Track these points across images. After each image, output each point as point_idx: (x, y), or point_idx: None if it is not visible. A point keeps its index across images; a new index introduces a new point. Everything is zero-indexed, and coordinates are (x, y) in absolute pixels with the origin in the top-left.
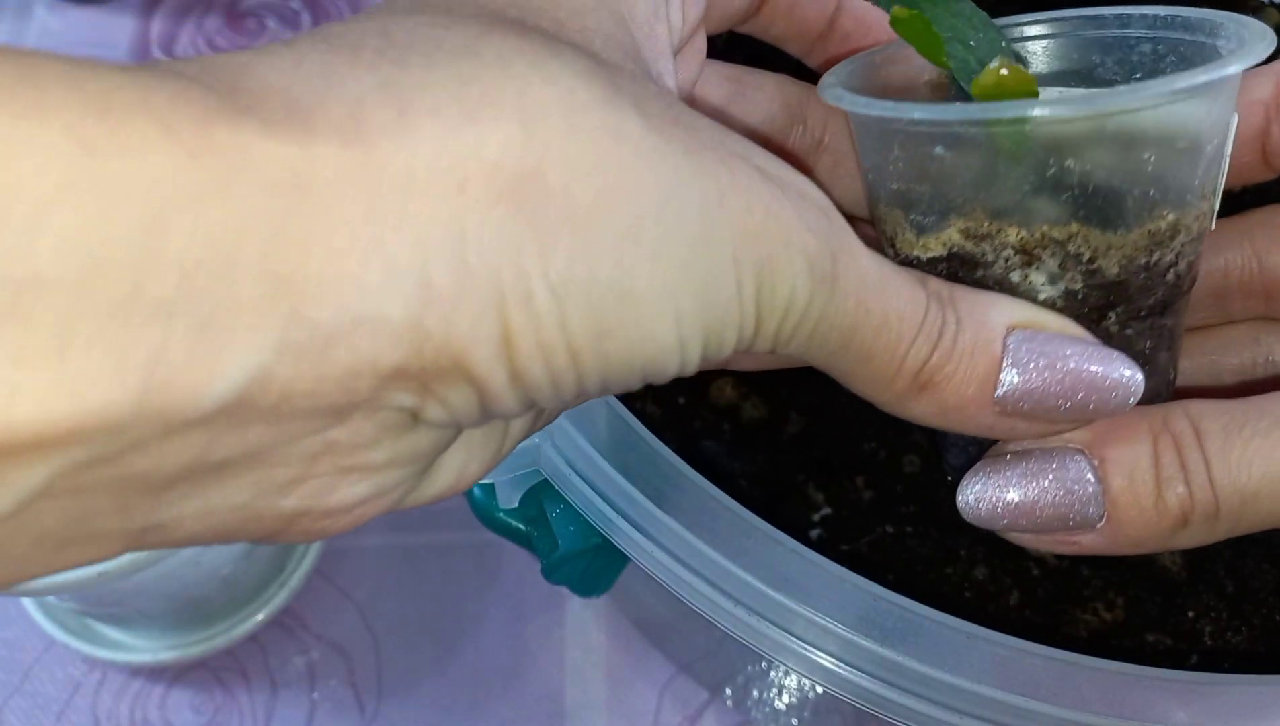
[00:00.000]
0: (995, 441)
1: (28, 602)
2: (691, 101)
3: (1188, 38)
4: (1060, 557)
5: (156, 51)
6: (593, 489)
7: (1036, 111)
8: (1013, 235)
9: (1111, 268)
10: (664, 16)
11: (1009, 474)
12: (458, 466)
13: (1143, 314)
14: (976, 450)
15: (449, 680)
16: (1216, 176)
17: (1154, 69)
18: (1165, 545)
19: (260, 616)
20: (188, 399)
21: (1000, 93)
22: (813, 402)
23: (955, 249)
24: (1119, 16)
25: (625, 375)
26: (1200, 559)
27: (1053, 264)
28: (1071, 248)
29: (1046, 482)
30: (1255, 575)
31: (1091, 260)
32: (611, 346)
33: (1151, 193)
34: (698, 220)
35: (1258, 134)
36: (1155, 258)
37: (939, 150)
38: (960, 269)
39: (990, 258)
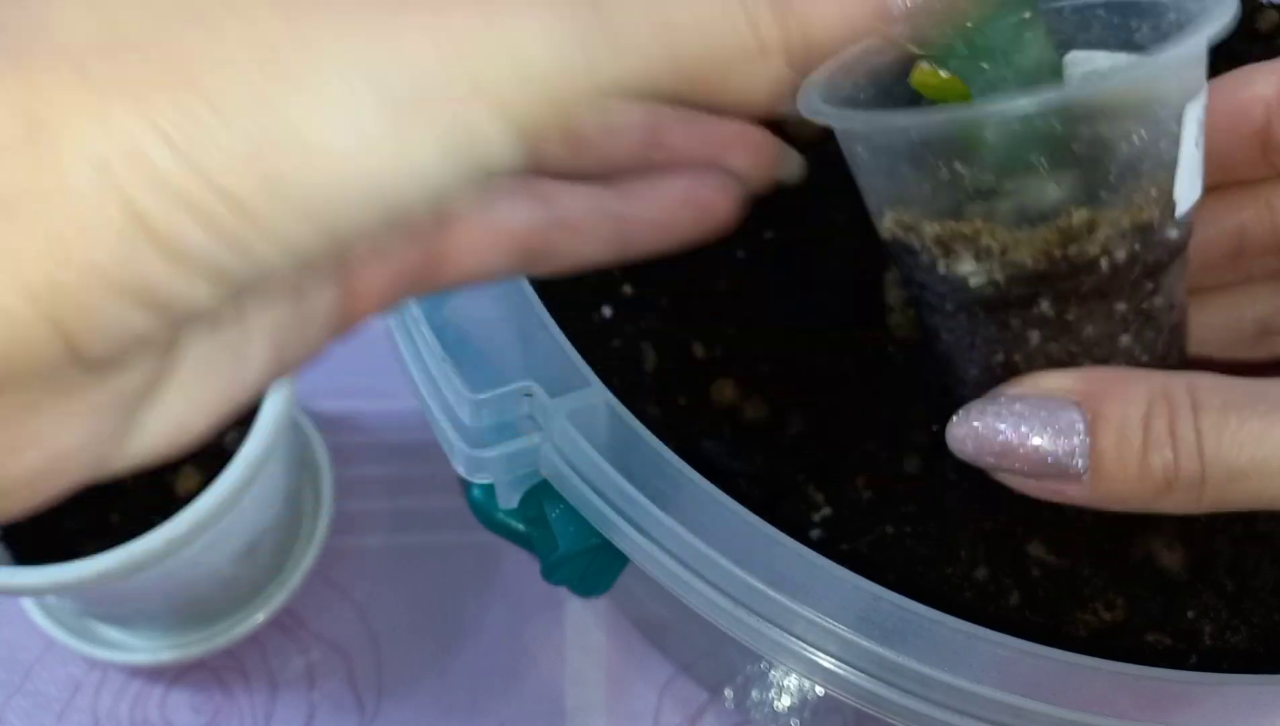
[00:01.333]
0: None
1: (28, 603)
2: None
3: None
4: (1061, 557)
5: None
6: (592, 489)
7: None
8: (928, 229)
9: (1025, 259)
10: None
11: (1001, 413)
12: (174, 414)
13: (1080, 300)
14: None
15: (449, 680)
16: (1162, 169)
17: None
18: (1148, 507)
19: (260, 616)
20: None
21: (927, 91)
22: (814, 403)
23: (893, 236)
24: None
25: (330, 205)
26: (1201, 558)
27: (969, 255)
28: (981, 242)
29: (1036, 426)
30: (1256, 574)
31: (1004, 252)
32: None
33: (1051, 192)
34: None
35: (1258, 130)
36: (1073, 251)
37: (859, 149)
38: (902, 253)
39: (918, 247)
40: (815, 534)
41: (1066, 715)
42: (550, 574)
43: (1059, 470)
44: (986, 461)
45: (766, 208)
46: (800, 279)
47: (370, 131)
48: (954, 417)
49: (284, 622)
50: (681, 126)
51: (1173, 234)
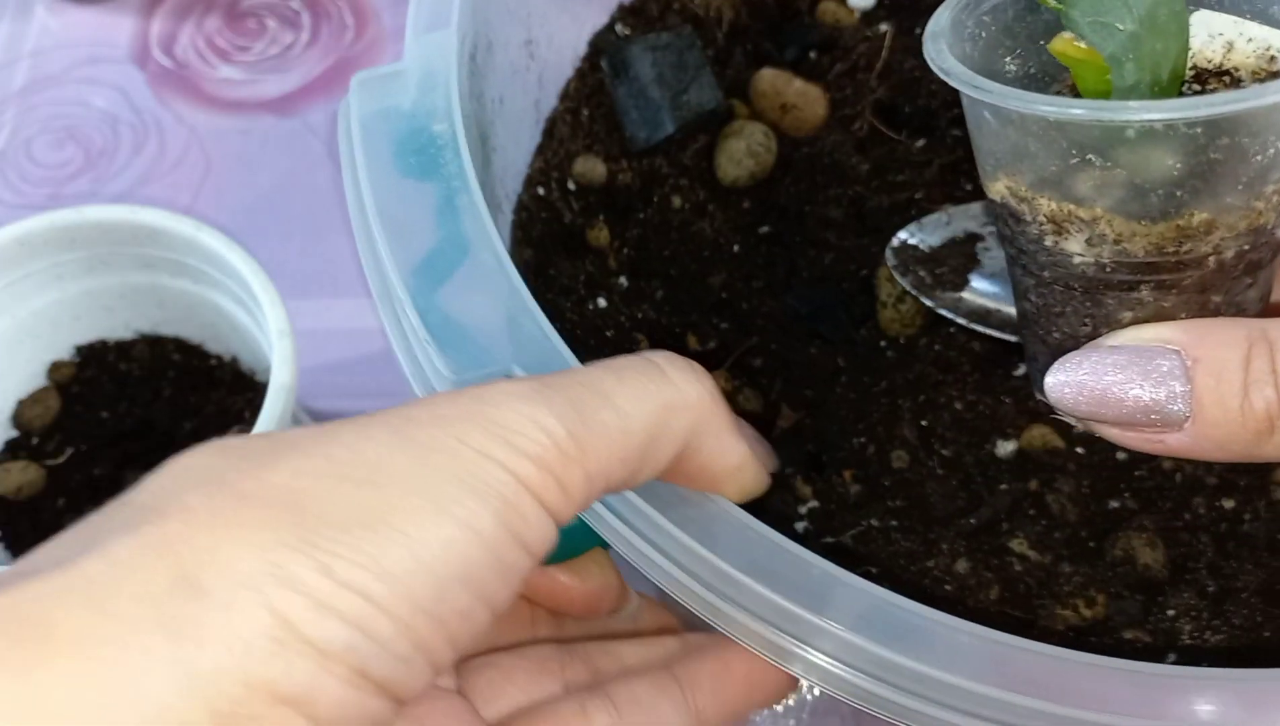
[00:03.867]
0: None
1: None
2: None
3: None
4: (1043, 553)
5: (156, 51)
6: None
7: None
8: (1044, 206)
9: (1138, 251)
10: None
11: (1099, 361)
12: None
13: (1180, 291)
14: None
15: None
16: None
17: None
18: (1253, 453)
19: None
20: None
21: (1065, 60)
22: (806, 397)
23: (1003, 200)
24: None
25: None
26: (1183, 557)
27: (1080, 238)
28: (1098, 228)
29: (1135, 374)
30: (1239, 575)
31: (1117, 241)
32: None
33: (1179, 194)
34: None
35: None
36: (1186, 247)
37: (986, 114)
38: (1009, 219)
39: (1029, 218)
40: (801, 526)
41: (1064, 712)
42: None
43: (1160, 417)
44: (1083, 409)
45: (762, 203)
46: (795, 273)
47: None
48: (1051, 367)
49: None
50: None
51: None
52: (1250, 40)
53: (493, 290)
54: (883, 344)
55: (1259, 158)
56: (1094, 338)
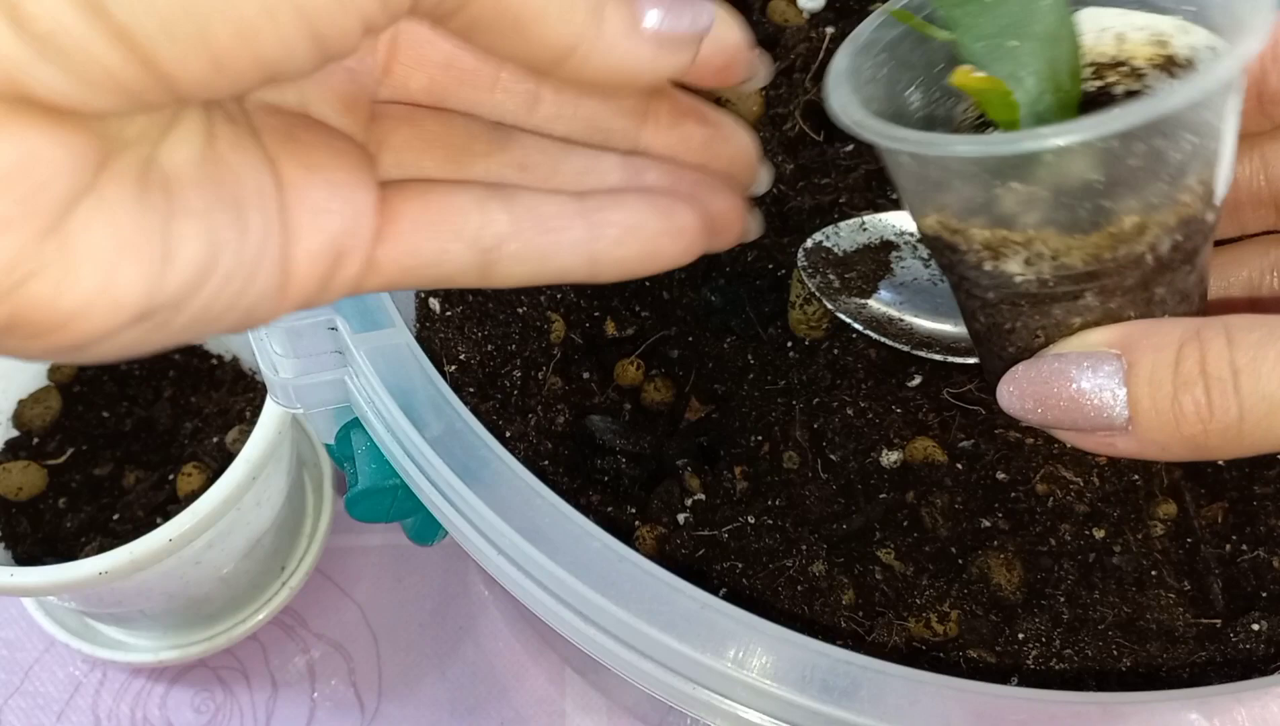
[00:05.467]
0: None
1: (28, 602)
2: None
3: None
4: (906, 565)
5: None
6: (386, 429)
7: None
8: (977, 235)
9: (1076, 262)
10: None
11: (1044, 369)
12: (106, 254)
13: (1124, 292)
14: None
15: (449, 680)
16: (1207, 166)
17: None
18: (1196, 453)
19: (261, 615)
20: None
21: (968, 92)
22: (716, 392)
23: (935, 234)
24: None
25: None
26: (1041, 583)
27: (1019, 259)
28: (1034, 247)
29: (1079, 378)
30: (1098, 606)
31: (1055, 257)
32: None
33: (1105, 204)
34: None
35: (1254, 82)
36: (1123, 251)
37: (904, 159)
38: (945, 250)
39: (964, 247)
40: (682, 517)
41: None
42: (350, 507)
43: (1104, 421)
44: (1035, 418)
45: None
46: (716, 267)
47: None
48: (1004, 375)
49: (285, 622)
50: (662, 132)
51: (1210, 218)
52: (1140, 29)
53: None
54: (789, 344)
55: (1176, 156)
56: (1049, 347)
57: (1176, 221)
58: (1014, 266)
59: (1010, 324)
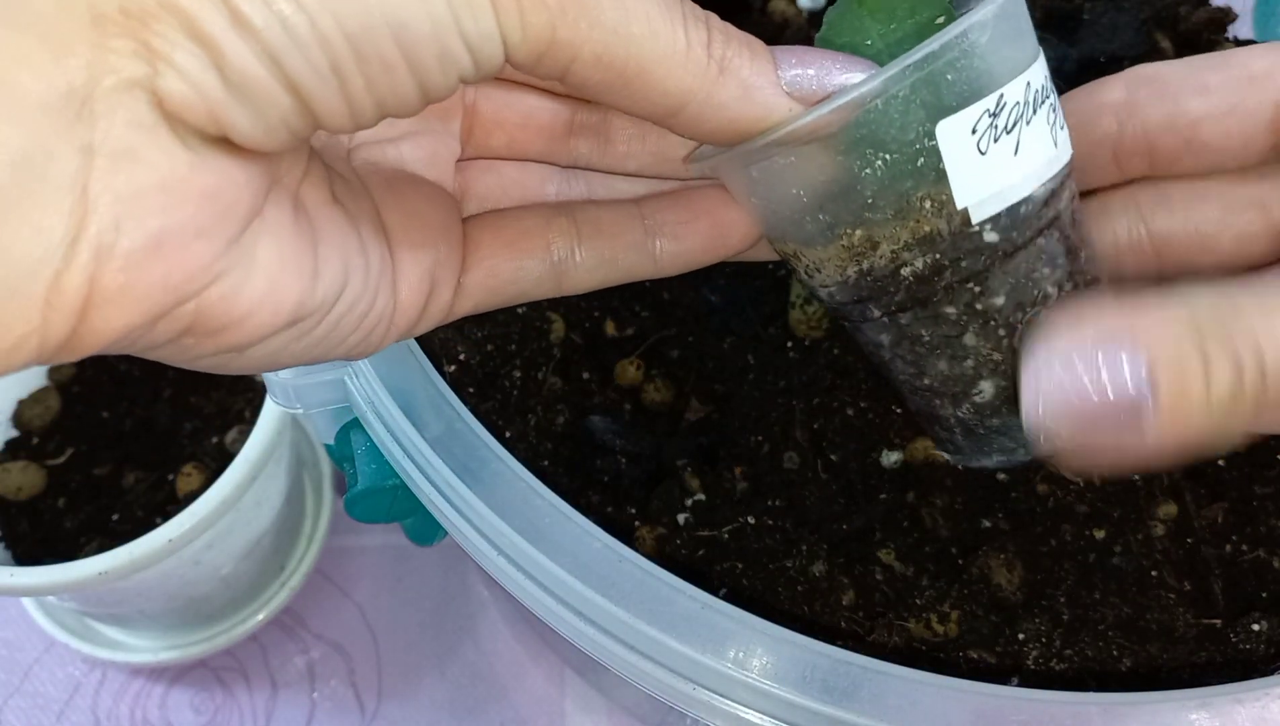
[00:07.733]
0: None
1: (28, 603)
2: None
3: None
4: (907, 565)
5: None
6: (385, 429)
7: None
8: (783, 250)
9: (834, 275)
10: None
11: (1063, 361)
12: (272, 265)
13: (899, 308)
14: (962, 432)
15: (449, 680)
16: (930, 184)
17: None
18: (1235, 424)
19: (260, 616)
20: None
21: None
22: (716, 392)
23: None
24: None
25: (368, 30)
26: (1042, 584)
27: (801, 271)
28: (801, 261)
29: (1098, 372)
30: (1098, 606)
31: (818, 269)
32: None
33: (823, 217)
34: None
35: (1107, 137)
36: (866, 266)
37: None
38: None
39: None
40: (683, 517)
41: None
42: (350, 507)
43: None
44: (1064, 438)
45: None
46: (718, 268)
47: None
48: (1025, 385)
49: (284, 622)
50: None
51: (989, 238)
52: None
53: None
54: (789, 344)
55: (868, 172)
56: (884, 367)
57: (914, 239)
58: (803, 275)
59: (851, 341)
